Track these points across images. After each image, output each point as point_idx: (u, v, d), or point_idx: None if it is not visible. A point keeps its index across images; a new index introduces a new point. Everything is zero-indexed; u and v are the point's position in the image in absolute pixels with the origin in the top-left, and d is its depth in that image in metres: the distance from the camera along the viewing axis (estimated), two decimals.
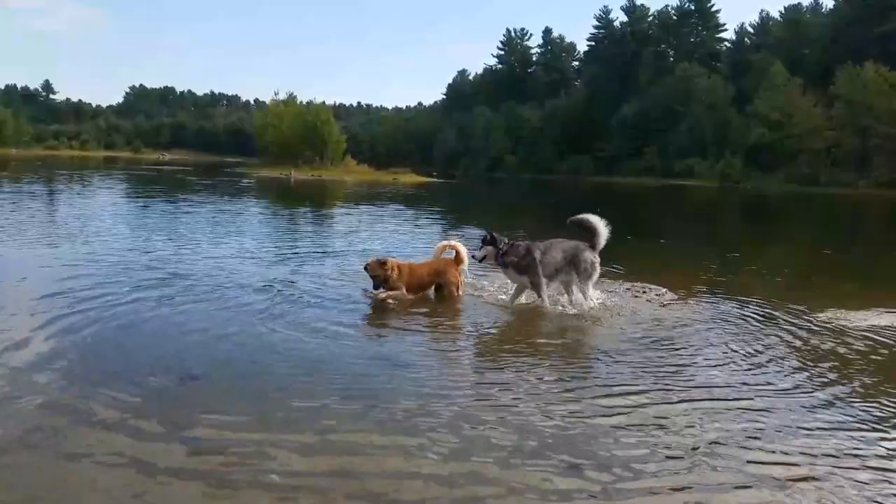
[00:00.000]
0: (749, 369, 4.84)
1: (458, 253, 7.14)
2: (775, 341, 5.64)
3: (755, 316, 6.59)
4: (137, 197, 22.86)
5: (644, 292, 7.50)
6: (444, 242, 7.37)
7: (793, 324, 6.29)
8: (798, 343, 5.62)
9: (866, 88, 58.33)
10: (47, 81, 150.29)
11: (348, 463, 3.13)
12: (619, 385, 4.39)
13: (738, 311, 6.79)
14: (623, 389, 4.29)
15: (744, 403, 4.10)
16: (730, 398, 4.19)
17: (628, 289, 7.69)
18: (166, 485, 2.89)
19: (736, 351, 5.30)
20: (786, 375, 4.72)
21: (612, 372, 4.71)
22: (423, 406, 3.84)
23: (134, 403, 3.73)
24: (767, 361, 5.05)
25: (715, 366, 4.90)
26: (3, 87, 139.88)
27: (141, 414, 3.58)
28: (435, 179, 51.41)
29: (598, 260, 6.70)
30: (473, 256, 6.93)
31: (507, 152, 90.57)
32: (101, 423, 3.46)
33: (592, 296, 6.72)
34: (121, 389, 3.94)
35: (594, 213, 6.84)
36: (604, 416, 3.82)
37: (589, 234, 6.66)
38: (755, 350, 5.35)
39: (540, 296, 6.67)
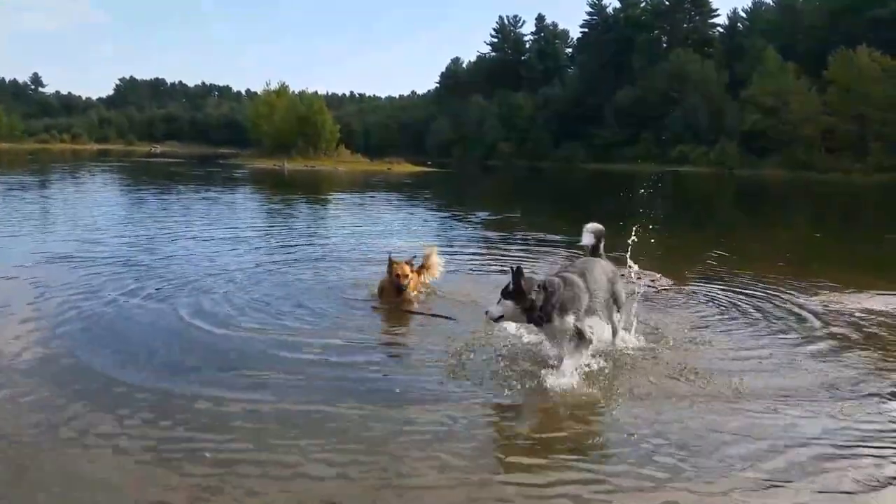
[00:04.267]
0: (742, 348, 4.84)
1: (428, 260, 6.69)
2: (769, 324, 5.64)
3: (747, 298, 6.59)
4: (128, 189, 22.73)
5: (639, 278, 7.48)
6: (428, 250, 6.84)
7: (784, 306, 6.30)
8: (791, 324, 5.62)
9: (860, 74, 58.28)
10: (36, 74, 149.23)
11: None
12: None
13: (731, 293, 6.79)
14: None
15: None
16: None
17: (622, 275, 7.66)
18: (170, 470, 2.91)
19: (727, 330, 5.30)
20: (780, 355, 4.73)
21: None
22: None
23: (135, 395, 3.72)
24: (761, 343, 5.05)
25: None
26: None
27: (142, 405, 3.57)
28: (429, 168, 51.29)
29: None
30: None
31: (502, 140, 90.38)
32: (118, 413, 3.48)
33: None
34: (120, 381, 3.94)
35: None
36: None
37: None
38: (747, 329, 5.35)
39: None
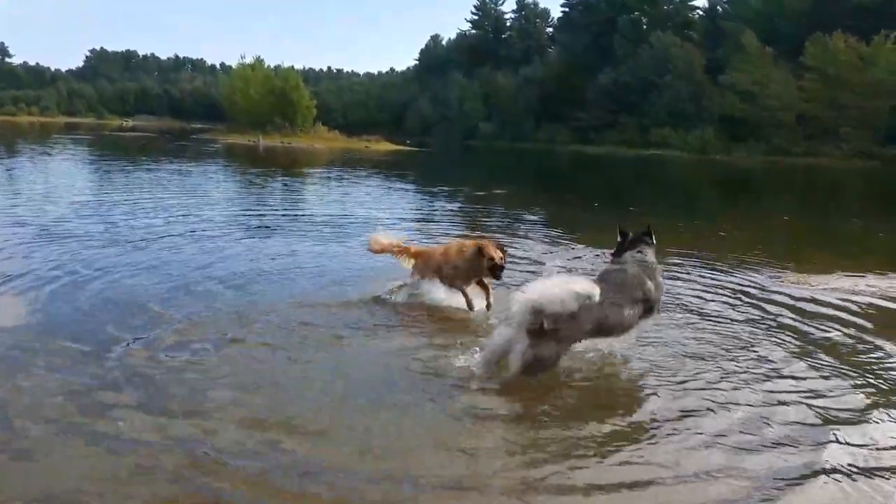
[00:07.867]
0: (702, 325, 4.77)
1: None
2: (741, 304, 5.58)
3: (718, 280, 6.55)
4: (99, 165, 22.15)
5: None
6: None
7: (757, 287, 6.27)
8: (764, 304, 5.58)
9: (836, 59, 58.64)
10: (2, 44, 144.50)
11: None
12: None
13: (703, 275, 6.74)
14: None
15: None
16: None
17: (598, 255, 7.60)
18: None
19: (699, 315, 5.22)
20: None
21: None
22: None
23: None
24: (725, 320, 4.98)
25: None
26: None
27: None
28: (408, 147, 50.87)
29: None
30: None
31: (483, 120, 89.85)
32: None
33: None
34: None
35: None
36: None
37: None
38: (713, 308, 5.29)
39: None
